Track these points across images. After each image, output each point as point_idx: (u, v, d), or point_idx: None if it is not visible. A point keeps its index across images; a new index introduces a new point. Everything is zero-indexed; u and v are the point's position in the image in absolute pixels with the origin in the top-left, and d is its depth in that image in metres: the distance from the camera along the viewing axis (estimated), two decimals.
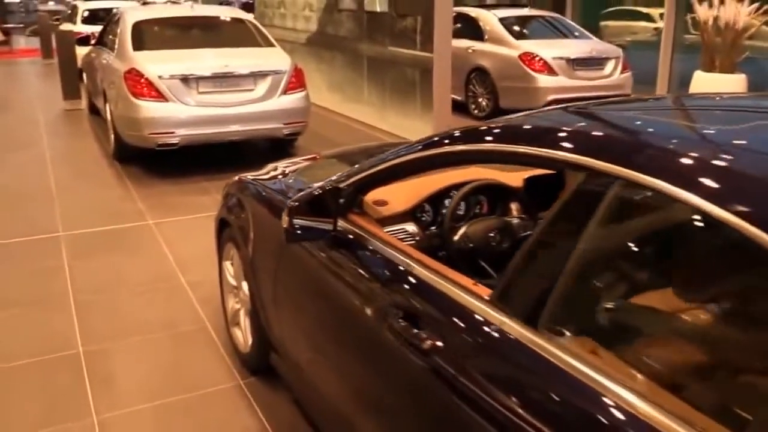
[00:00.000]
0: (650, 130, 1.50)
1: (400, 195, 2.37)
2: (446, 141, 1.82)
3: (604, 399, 1.15)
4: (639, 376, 1.17)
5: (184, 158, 6.12)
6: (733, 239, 1.08)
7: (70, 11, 13.09)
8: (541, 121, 1.76)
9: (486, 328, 1.43)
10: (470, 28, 8.74)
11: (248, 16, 7.14)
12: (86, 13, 11.70)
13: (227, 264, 3.15)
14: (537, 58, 7.89)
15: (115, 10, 7.69)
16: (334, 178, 2.15)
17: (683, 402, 1.09)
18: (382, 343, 1.72)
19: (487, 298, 1.48)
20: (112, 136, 6.45)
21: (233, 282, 3.08)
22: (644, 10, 13.46)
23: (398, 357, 1.64)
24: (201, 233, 3.86)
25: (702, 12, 8.56)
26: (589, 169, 1.35)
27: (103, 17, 8.94)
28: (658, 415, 1.08)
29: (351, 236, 2.04)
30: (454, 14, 9.37)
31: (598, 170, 1.33)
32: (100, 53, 7.22)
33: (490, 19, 8.61)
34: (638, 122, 1.62)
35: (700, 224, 1.20)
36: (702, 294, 1.28)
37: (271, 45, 6.67)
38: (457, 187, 2.35)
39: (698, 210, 1.14)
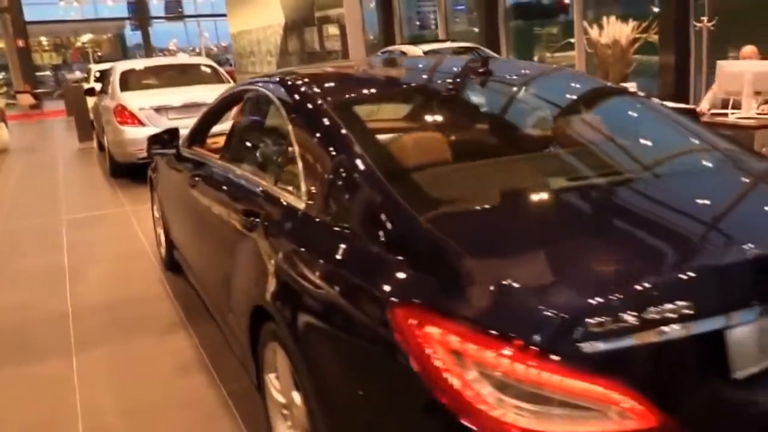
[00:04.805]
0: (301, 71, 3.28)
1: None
2: (230, 91, 3.59)
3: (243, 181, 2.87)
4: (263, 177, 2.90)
5: None
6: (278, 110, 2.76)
7: (86, 74, 15.45)
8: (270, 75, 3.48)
9: (216, 169, 3.16)
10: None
11: (210, 62, 9.14)
12: (98, 74, 13.95)
13: (154, 207, 4.98)
14: None
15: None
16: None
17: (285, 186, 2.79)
18: (192, 198, 3.47)
19: (219, 159, 3.25)
20: (108, 158, 8.43)
21: (157, 215, 4.90)
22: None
23: (192, 198, 3.40)
24: None
25: (593, 33, 10.35)
26: (254, 91, 3.08)
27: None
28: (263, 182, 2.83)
29: (192, 156, 3.81)
30: (396, 51, 11.36)
31: (252, 89, 3.09)
32: (101, 99, 9.27)
33: (415, 51, 10.53)
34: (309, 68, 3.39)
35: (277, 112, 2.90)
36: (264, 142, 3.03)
37: (228, 81, 8.64)
38: None
39: (280, 108, 2.77)
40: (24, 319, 4.12)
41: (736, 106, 5.46)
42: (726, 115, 5.46)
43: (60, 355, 3.54)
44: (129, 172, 8.15)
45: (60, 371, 3.36)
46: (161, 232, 4.84)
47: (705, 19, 9.34)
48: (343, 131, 2.16)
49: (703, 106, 5.88)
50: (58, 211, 6.85)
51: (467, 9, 15.67)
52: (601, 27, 10.40)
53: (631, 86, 10.50)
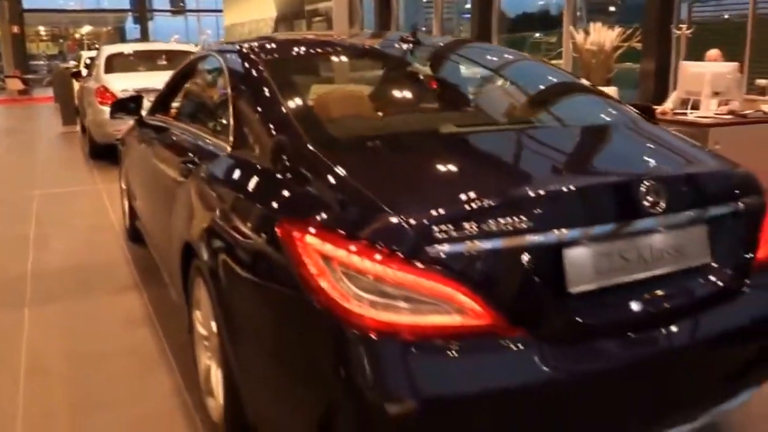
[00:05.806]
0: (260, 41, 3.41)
1: None
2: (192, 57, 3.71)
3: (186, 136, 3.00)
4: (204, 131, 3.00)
5: None
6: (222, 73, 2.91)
7: (77, 60, 15.59)
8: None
9: (170, 129, 3.28)
10: None
11: (190, 47, 9.27)
12: (88, 60, 14.07)
13: (121, 180, 5.07)
14: None
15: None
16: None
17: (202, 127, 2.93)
18: (148, 162, 3.58)
19: (173, 120, 3.38)
20: (87, 139, 8.52)
21: (123, 186, 4.99)
22: None
23: (147, 161, 3.51)
24: None
25: (579, 38, 10.55)
26: (207, 55, 3.22)
27: None
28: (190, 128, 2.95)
29: (153, 122, 3.91)
30: None
31: (206, 54, 3.22)
32: (86, 81, 9.36)
33: None
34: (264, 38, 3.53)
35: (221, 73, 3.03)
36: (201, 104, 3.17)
37: None
38: None
39: (224, 69, 2.91)
40: None
41: (698, 106, 5.62)
42: (686, 114, 5.61)
43: (13, 309, 3.63)
44: (107, 154, 8.22)
45: (11, 321, 3.45)
46: (126, 203, 4.92)
47: (684, 26, 9.56)
48: (269, 88, 2.33)
49: (667, 105, 6.02)
50: (32, 187, 6.92)
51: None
52: (587, 33, 10.61)
53: (612, 90, 10.69)
